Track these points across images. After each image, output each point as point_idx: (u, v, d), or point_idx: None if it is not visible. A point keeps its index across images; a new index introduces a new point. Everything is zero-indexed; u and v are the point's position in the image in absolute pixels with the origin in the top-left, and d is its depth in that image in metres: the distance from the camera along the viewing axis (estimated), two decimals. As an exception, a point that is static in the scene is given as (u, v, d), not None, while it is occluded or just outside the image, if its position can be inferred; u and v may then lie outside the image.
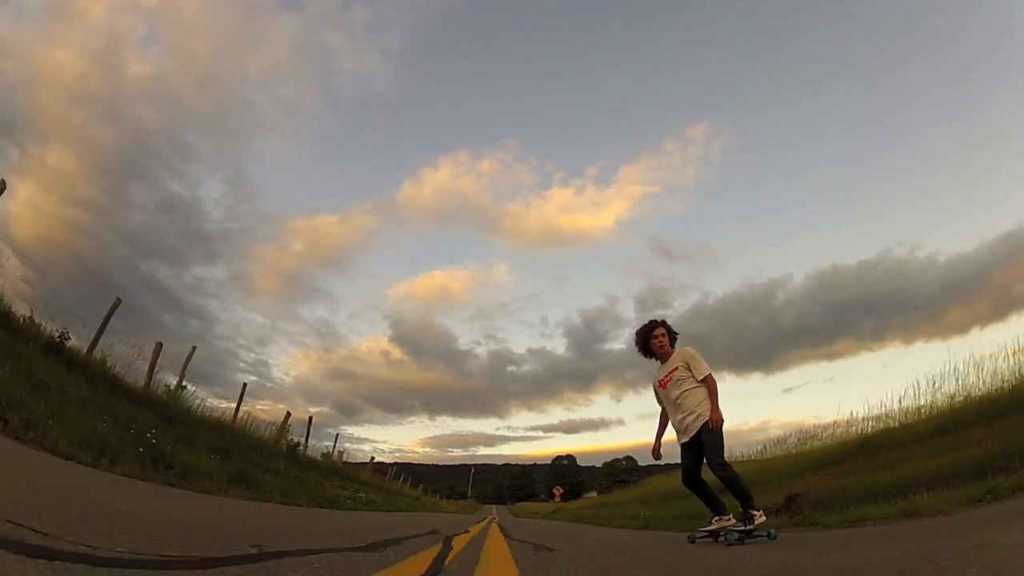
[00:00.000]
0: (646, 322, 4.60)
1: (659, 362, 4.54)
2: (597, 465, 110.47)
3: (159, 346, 9.13)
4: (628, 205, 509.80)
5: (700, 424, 4.13)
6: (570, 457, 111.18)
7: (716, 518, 4.22)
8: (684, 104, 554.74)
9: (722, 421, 4.12)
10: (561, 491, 51.22)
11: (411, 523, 6.67)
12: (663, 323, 4.55)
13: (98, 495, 2.95)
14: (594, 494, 71.44)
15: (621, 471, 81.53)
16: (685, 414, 4.24)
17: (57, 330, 6.87)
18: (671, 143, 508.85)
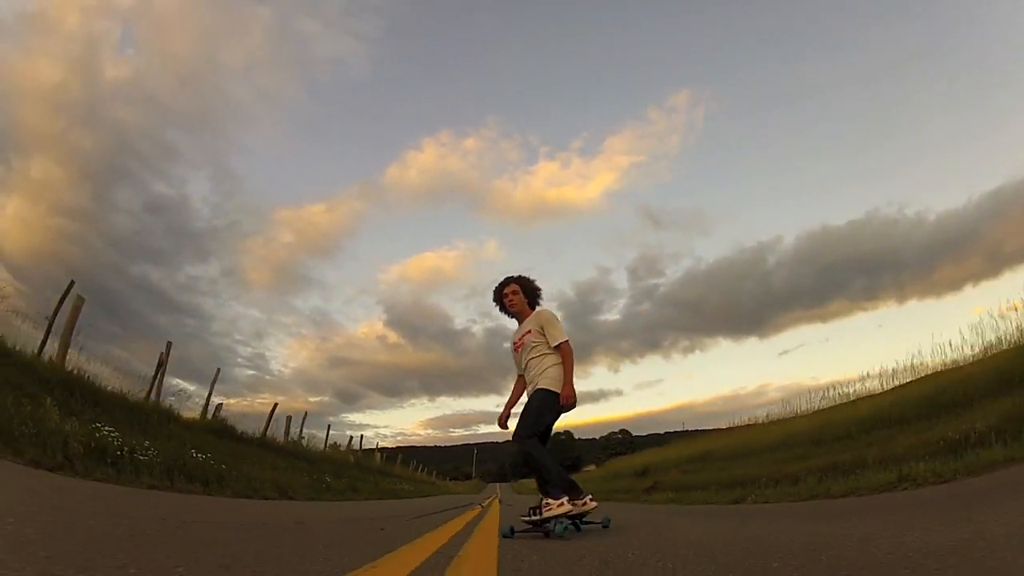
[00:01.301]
0: (503, 278, 4.22)
1: (518, 323, 4.12)
2: (597, 437, 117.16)
3: (217, 372, 13.45)
4: (615, 175, 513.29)
5: (534, 390, 3.80)
6: (568, 433, 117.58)
7: (571, 500, 3.68)
8: (665, 72, 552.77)
9: (573, 398, 3.69)
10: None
11: (455, 500, 11.58)
12: (518, 279, 4.17)
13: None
14: (592, 467, 77.51)
15: (616, 444, 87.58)
16: (531, 383, 3.88)
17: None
18: (654, 111, 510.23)
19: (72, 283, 7.92)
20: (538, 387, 3.78)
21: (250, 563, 1.95)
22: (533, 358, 3.89)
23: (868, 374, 12.37)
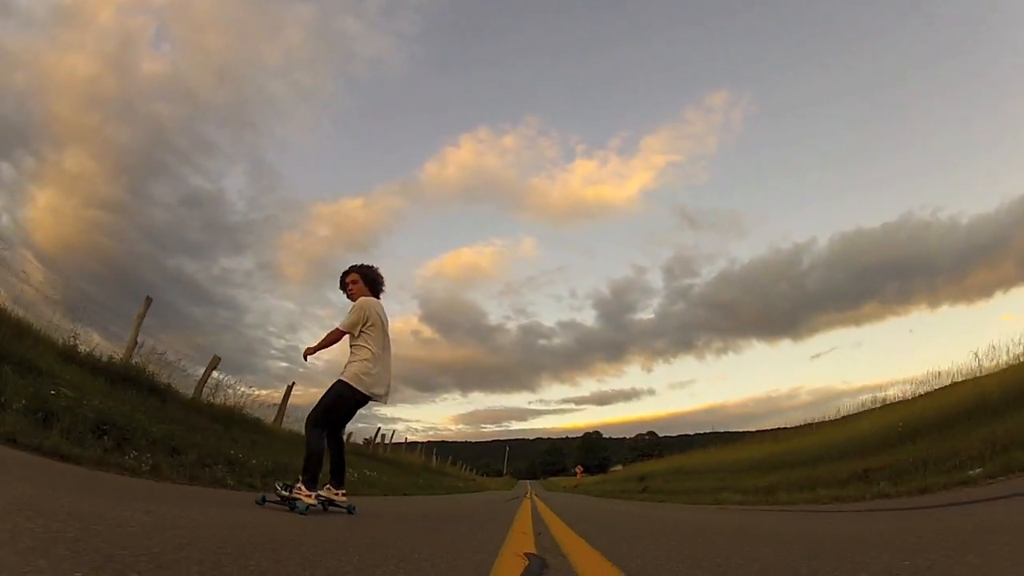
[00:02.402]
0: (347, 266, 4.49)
1: None
2: (629, 436, 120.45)
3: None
4: (652, 175, 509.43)
5: (336, 380, 4.03)
6: (597, 433, 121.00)
7: (328, 486, 4.07)
8: (702, 72, 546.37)
9: (304, 356, 4.14)
10: (582, 469, 60.83)
11: (505, 492, 15.73)
12: (359, 267, 4.43)
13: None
14: (620, 467, 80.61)
15: (644, 446, 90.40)
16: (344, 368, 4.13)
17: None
18: (691, 112, 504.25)
19: (149, 299, 8.26)
20: (339, 378, 4.01)
21: (479, 531, 5.96)
22: (351, 344, 4.12)
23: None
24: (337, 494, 4.09)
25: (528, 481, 69.71)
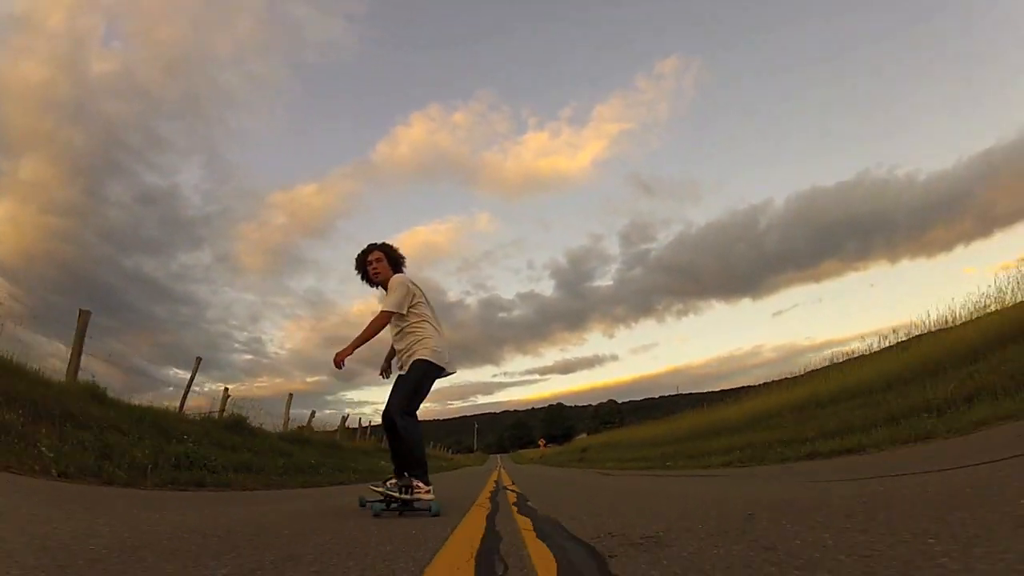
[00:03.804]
0: (366, 246, 4.10)
1: (384, 292, 3.96)
2: (593, 403, 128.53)
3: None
4: (605, 144, 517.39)
5: (411, 362, 3.69)
6: (560, 404, 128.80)
7: (393, 480, 3.59)
8: (652, 39, 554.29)
9: (339, 361, 3.62)
10: (544, 441, 67.48)
11: (481, 467, 21.20)
12: (381, 246, 4.07)
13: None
14: (584, 435, 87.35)
15: (605, 413, 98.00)
16: (402, 350, 3.79)
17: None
18: (642, 79, 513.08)
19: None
20: (415, 357, 3.66)
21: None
22: (402, 327, 3.77)
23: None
24: (424, 488, 3.59)
25: (498, 455, 75.47)
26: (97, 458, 4.73)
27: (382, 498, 3.47)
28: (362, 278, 4.11)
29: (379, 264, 3.99)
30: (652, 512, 2.97)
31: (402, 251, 4.13)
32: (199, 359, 10.15)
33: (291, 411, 15.21)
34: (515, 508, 3.78)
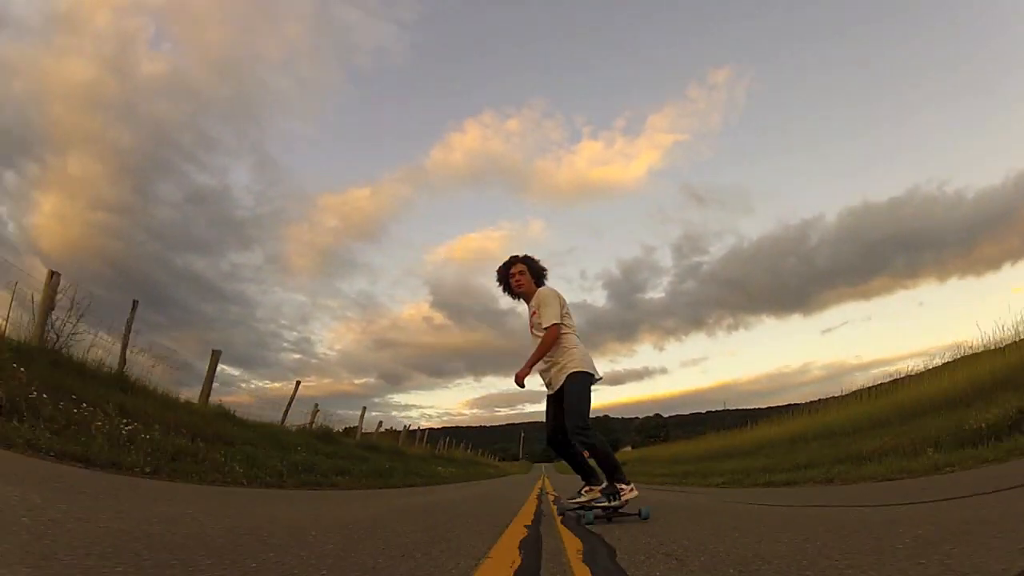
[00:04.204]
0: (507, 258, 4.21)
1: (525, 303, 4.13)
2: (640, 415, 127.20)
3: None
4: (658, 154, 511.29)
5: (564, 377, 3.74)
6: (606, 416, 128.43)
7: (586, 488, 3.85)
8: (705, 49, 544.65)
9: (519, 381, 3.85)
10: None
11: (526, 476, 22.81)
12: (524, 258, 4.16)
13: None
14: (629, 448, 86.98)
15: (650, 427, 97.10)
16: (548, 364, 3.86)
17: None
18: (695, 89, 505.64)
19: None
20: (569, 372, 3.71)
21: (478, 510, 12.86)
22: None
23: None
24: (627, 487, 3.67)
25: (543, 464, 76.43)
26: (250, 467, 6.57)
27: (589, 510, 3.57)
28: (504, 290, 4.21)
29: (521, 276, 4.10)
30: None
31: (543, 263, 4.22)
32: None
33: (342, 412, 17.42)
34: (554, 506, 5.36)
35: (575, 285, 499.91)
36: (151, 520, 2.44)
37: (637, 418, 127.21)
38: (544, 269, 4.20)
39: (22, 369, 5.17)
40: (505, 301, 4.25)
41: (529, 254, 4.22)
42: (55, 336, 6.70)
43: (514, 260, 4.16)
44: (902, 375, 12.04)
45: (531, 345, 4.00)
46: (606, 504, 3.57)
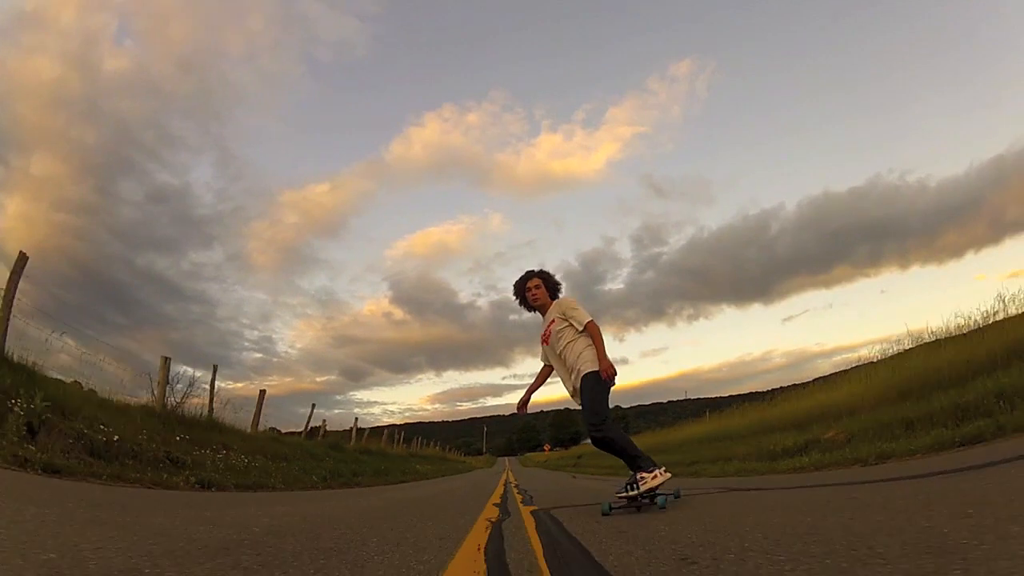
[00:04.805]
0: (523, 273, 4.43)
1: (541, 316, 4.35)
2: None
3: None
4: (618, 146, 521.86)
5: (583, 376, 3.89)
6: (567, 410, 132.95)
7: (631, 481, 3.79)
8: (665, 41, 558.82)
9: (613, 371, 3.85)
10: (549, 446, 72.45)
11: (491, 469, 26.06)
12: (540, 273, 4.38)
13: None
14: (589, 440, 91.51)
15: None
16: (570, 371, 4.03)
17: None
18: (655, 82, 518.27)
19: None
20: (583, 373, 3.89)
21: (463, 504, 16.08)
22: (567, 343, 4.01)
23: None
24: (649, 474, 3.64)
25: (507, 458, 79.63)
26: (308, 475, 9.47)
27: (625, 502, 3.65)
28: (520, 303, 4.39)
29: (538, 291, 4.28)
30: (563, 494, 7.60)
31: (557, 277, 4.40)
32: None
33: (300, 411, 18.57)
34: (515, 488, 8.59)
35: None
36: (292, 515, 4.00)
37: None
38: (559, 283, 4.41)
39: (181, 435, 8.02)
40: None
41: (545, 268, 4.42)
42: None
43: (531, 275, 4.37)
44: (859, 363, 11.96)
45: (541, 355, 4.36)
46: (625, 494, 3.65)
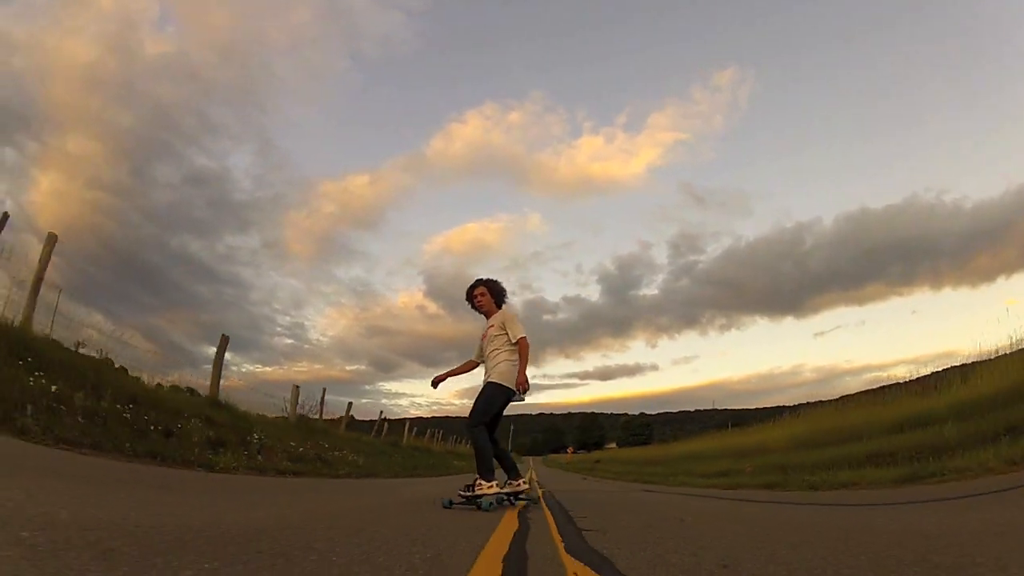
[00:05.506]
0: (473, 280, 4.95)
1: (486, 319, 4.89)
2: (630, 412, 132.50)
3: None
4: (659, 152, 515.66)
5: (485, 382, 4.55)
6: (594, 414, 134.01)
7: (508, 481, 4.61)
8: (709, 50, 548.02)
9: (526, 385, 4.40)
10: (573, 449, 74.02)
11: (521, 465, 28.12)
12: (486, 281, 4.91)
13: None
14: (613, 445, 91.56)
15: (635, 427, 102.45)
16: (486, 373, 4.62)
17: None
18: (698, 90, 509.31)
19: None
20: (489, 381, 4.51)
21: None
22: (493, 349, 4.59)
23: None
24: (519, 483, 4.62)
25: (531, 457, 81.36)
26: (392, 466, 11.66)
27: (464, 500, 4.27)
28: (471, 307, 4.96)
29: (483, 298, 4.84)
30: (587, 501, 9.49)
31: (504, 284, 4.94)
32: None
33: (331, 398, 17.84)
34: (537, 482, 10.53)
35: (570, 279, 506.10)
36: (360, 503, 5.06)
37: (626, 414, 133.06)
38: (504, 291, 4.95)
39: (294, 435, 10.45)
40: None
41: (493, 278, 4.99)
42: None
43: (478, 283, 4.93)
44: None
45: (478, 352, 4.89)
46: (462, 493, 4.26)
